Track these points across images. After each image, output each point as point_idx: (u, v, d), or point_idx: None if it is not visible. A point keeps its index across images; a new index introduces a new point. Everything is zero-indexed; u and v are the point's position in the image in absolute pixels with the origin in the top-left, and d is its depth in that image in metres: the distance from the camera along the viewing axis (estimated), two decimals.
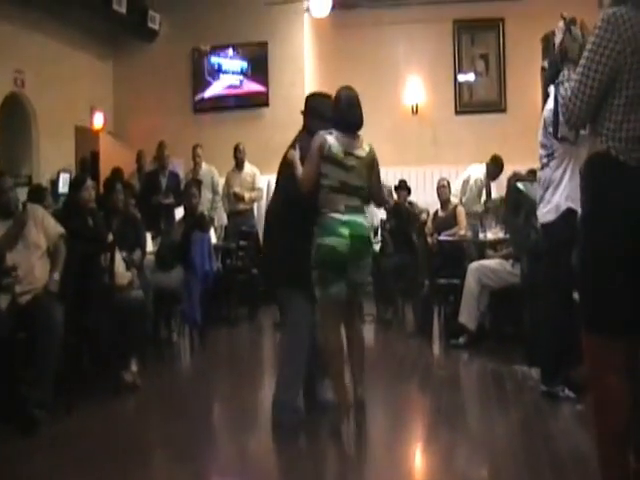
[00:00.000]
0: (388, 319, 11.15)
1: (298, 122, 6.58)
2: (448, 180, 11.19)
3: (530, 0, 13.96)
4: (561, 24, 4.21)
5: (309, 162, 5.96)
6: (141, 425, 6.67)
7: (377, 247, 11.77)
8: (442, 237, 10.33)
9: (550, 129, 6.03)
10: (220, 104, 14.60)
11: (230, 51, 14.57)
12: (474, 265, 8.97)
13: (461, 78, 15.41)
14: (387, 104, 15.11)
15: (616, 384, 3.68)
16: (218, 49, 14.61)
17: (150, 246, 9.39)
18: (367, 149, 6.21)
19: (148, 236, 9.42)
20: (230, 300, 11.34)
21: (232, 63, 14.56)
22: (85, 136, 13.77)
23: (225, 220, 13.36)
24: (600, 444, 3.79)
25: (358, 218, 6.01)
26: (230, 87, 14.62)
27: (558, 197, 6.35)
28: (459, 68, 15.39)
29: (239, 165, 13.04)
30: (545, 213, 6.48)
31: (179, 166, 13.39)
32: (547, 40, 5.18)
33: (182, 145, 13.30)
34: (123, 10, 13.10)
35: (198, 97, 14.69)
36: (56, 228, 7.00)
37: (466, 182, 12.10)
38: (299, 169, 6.01)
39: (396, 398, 7.31)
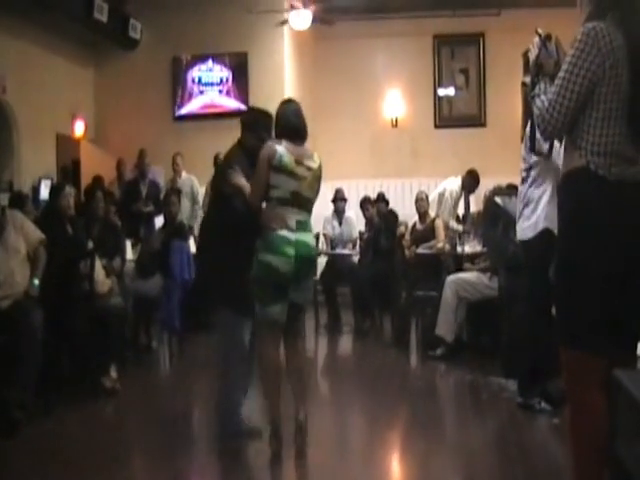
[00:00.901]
0: (365, 329, 11.18)
1: None
2: (427, 193, 11.23)
3: (510, 15, 14.10)
4: (536, 40, 4.24)
5: (257, 174, 5.64)
6: (120, 429, 6.70)
7: (355, 258, 11.85)
8: (420, 250, 10.36)
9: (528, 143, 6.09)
10: (200, 113, 14.61)
11: (210, 62, 14.57)
12: (452, 278, 9.03)
13: (441, 92, 15.53)
14: (367, 116, 15.21)
15: (594, 401, 3.67)
16: (198, 59, 14.62)
17: (130, 254, 9.41)
18: (317, 161, 5.84)
19: (128, 244, 9.44)
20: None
21: (212, 74, 14.56)
22: (66, 144, 13.73)
23: None
24: (576, 460, 3.79)
25: (307, 237, 5.70)
26: (210, 97, 14.62)
27: (536, 216, 6.40)
28: (439, 82, 15.50)
29: None
30: (524, 229, 6.52)
31: (159, 174, 13.37)
32: (527, 56, 5.24)
33: (162, 153, 13.28)
34: (104, 19, 13.04)
35: (179, 106, 14.69)
36: (36, 233, 7.03)
37: (441, 195, 12.18)
38: (246, 187, 5.73)
39: (372, 408, 7.33)
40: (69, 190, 8.04)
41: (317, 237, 10.07)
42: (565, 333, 3.84)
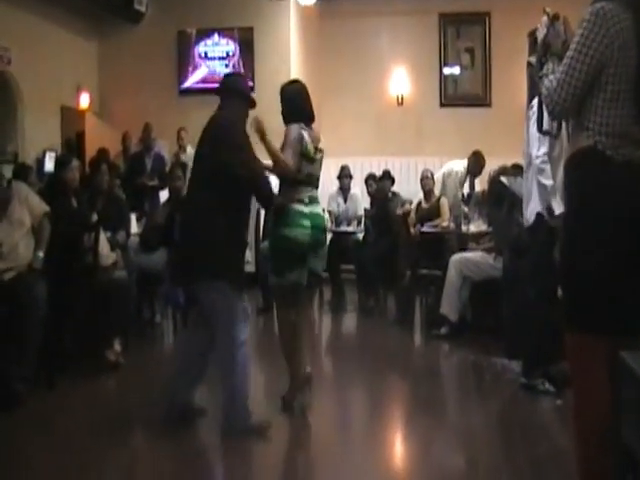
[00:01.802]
0: (369, 307, 11.16)
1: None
2: (432, 171, 11.21)
3: None
4: (545, 19, 4.22)
5: (292, 153, 6.03)
6: (123, 403, 6.69)
7: (360, 236, 11.82)
8: (425, 228, 10.36)
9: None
10: (205, 87, 14.57)
11: (216, 36, 14.53)
12: (456, 257, 9.01)
13: (446, 71, 15.43)
14: (372, 94, 15.15)
15: (598, 384, 3.64)
16: (204, 33, 14.57)
17: (134, 227, 9.39)
18: (322, 140, 6.47)
19: (132, 217, 9.42)
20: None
21: (218, 48, 14.52)
22: (71, 116, 13.70)
23: None
24: (579, 444, 3.77)
25: (318, 209, 6.29)
26: (215, 71, 14.58)
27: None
28: (444, 61, 15.40)
29: None
30: (532, 209, 6.53)
31: (164, 148, 13.34)
32: (534, 35, 5.20)
33: (167, 127, 13.29)
34: None
35: (183, 80, 14.65)
36: (40, 206, 7.02)
37: (447, 175, 12.11)
38: (280, 156, 5.99)
39: (375, 386, 7.35)
40: (75, 163, 8.02)
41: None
42: (570, 314, 3.82)
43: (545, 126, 4.78)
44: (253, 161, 5.76)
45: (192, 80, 14.60)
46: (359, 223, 12.07)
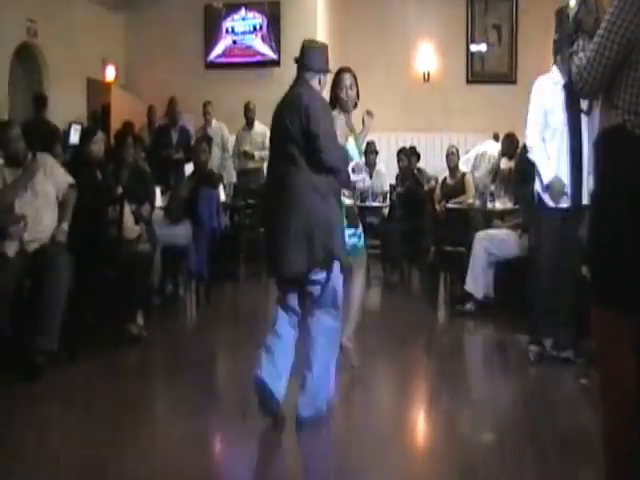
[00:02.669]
0: (394, 283, 11.17)
1: None
2: (457, 147, 11.14)
3: None
4: None
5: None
6: (144, 377, 6.73)
7: (385, 211, 11.80)
8: (450, 204, 10.30)
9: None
10: (231, 61, 14.55)
11: (243, 10, 14.50)
12: (482, 234, 8.94)
13: (473, 48, 15.41)
14: (399, 70, 15.13)
15: (625, 362, 3.59)
16: (231, 8, 14.53)
17: (159, 201, 9.37)
18: None
19: (157, 190, 9.40)
20: (236, 257, 11.35)
21: (245, 22, 14.50)
22: (97, 88, 13.74)
23: (234, 178, 13.38)
24: (605, 424, 3.72)
25: None
26: (242, 45, 14.55)
27: None
28: (472, 38, 15.38)
29: (249, 124, 13.01)
30: None
31: (190, 122, 13.34)
32: (561, 14, 5.13)
33: (193, 101, 13.28)
34: None
35: (210, 54, 14.64)
36: (65, 178, 7.00)
37: (481, 157, 12.01)
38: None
39: (399, 362, 7.31)
40: (101, 136, 8.00)
41: None
42: (597, 291, 3.77)
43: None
44: (341, 149, 5.62)
45: (218, 53, 14.58)
46: (384, 199, 12.03)
